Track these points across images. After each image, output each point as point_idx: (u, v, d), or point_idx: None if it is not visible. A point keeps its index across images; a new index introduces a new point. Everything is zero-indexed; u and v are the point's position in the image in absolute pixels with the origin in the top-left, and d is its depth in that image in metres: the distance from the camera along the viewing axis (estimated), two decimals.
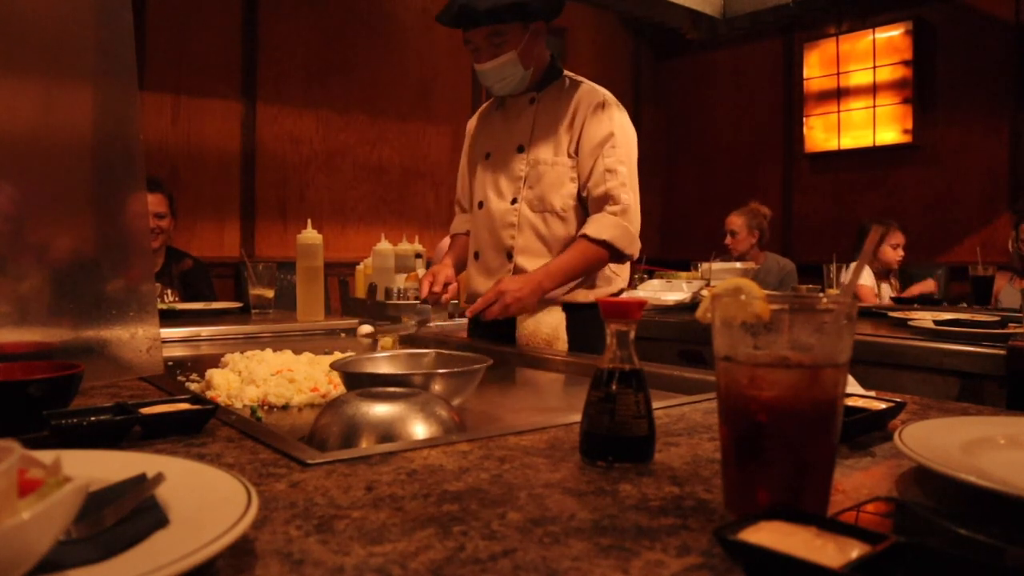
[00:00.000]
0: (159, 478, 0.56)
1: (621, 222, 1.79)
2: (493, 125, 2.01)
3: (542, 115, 1.89)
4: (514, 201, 1.88)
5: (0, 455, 0.42)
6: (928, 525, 0.54)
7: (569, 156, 1.84)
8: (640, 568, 0.50)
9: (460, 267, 2.05)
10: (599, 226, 1.79)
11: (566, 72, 1.94)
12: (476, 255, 1.99)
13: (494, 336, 1.90)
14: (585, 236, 1.79)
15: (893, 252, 4.12)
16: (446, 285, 1.86)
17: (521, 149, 1.89)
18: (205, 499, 0.56)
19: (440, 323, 2.36)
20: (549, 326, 1.85)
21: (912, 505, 0.58)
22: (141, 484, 0.56)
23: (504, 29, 1.78)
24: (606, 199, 1.79)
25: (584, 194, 1.84)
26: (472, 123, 2.12)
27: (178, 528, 0.51)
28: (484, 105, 2.11)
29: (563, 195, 1.85)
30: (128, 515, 0.52)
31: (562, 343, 1.84)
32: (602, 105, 1.84)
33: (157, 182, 3.26)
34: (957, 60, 4.94)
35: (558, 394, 1.47)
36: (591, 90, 1.87)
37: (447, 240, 2.26)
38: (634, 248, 1.83)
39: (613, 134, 1.81)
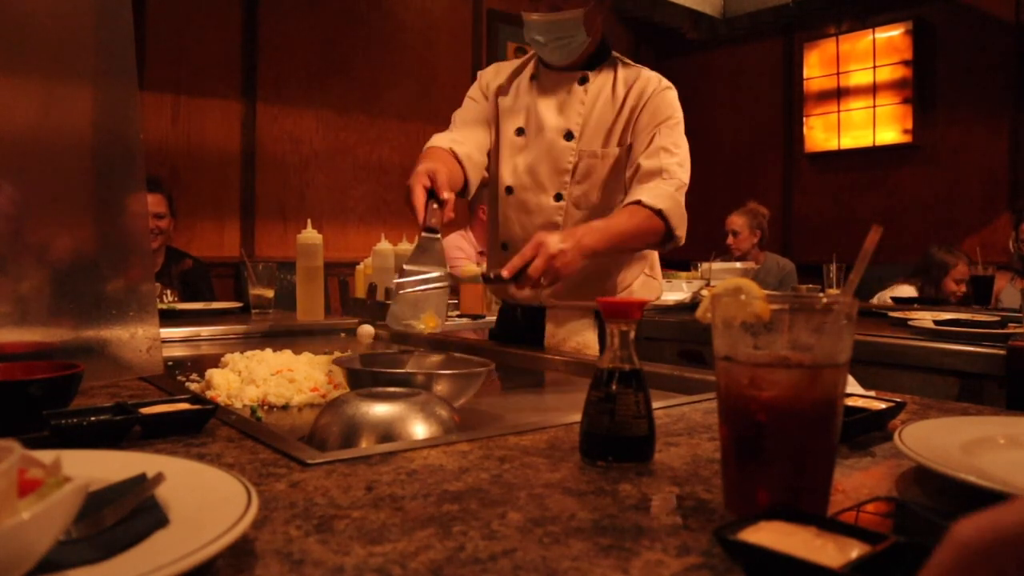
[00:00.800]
0: (159, 478, 0.56)
1: (677, 196, 1.58)
2: (528, 98, 1.75)
3: (594, 100, 1.69)
4: (559, 197, 1.69)
5: (0, 455, 0.42)
6: (928, 525, 0.54)
7: (620, 146, 1.66)
8: (640, 568, 0.50)
9: (455, 181, 1.58)
10: (655, 194, 1.54)
11: (615, 54, 1.75)
12: (504, 246, 1.76)
13: (518, 341, 1.79)
14: (639, 202, 1.52)
15: (956, 286, 3.62)
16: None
17: (569, 136, 1.68)
18: (205, 499, 0.56)
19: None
20: (580, 336, 1.74)
21: (912, 505, 0.58)
22: (141, 484, 0.56)
23: None
24: (660, 173, 1.58)
25: (629, 173, 1.62)
26: (490, 75, 1.82)
27: (178, 528, 0.51)
28: (511, 66, 1.82)
29: (615, 192, 1.67)
30: (128, 515, 0.52)
31: (593, 352, 1.73)
32: (666, 89, 1.69)
33: (156, 182, 3.26)
34: (957, 60, 4.94)
35: (558, 394, 1.47)
36: (654, 75, 1.71)
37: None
38: (683, 230, 1.61)
39: (673, 116, 1.67)
